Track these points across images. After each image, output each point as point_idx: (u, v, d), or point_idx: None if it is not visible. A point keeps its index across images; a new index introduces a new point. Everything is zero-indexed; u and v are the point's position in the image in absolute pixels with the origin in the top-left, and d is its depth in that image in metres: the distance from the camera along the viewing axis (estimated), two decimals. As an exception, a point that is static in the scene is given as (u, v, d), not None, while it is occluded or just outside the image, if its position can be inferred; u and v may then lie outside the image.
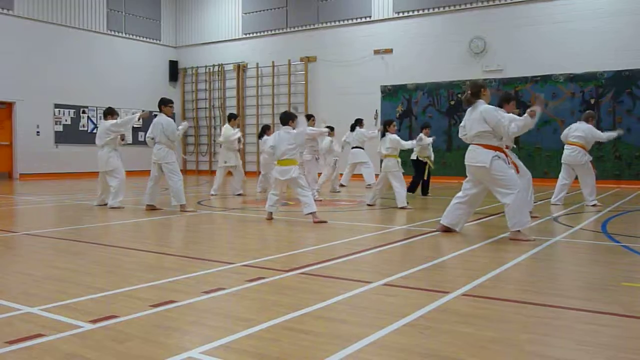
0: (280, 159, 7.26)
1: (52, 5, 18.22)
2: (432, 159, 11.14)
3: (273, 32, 19.91)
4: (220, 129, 21.17)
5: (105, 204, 9.02)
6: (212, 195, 11.20)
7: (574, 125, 9.42)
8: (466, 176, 6.18)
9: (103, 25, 19.78)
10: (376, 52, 17.69)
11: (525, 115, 5.76)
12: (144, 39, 21.19)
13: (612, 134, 9.59)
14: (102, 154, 9.00)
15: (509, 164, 5.74)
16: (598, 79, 14.47)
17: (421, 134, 10.85)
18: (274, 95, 19.95)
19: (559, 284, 3.99)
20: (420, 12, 16.93)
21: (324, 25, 18.77)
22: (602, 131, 9.83)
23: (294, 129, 7.36)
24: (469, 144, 5.98)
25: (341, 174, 13.00)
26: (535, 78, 15.19)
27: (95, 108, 19.39)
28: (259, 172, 12.53)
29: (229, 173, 11.97)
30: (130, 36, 20.68)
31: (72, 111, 18.82)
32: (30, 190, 12.96)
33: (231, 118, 11.97)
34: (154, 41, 21.58)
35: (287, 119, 7.49)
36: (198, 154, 21.98)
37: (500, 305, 3.35)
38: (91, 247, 5.46)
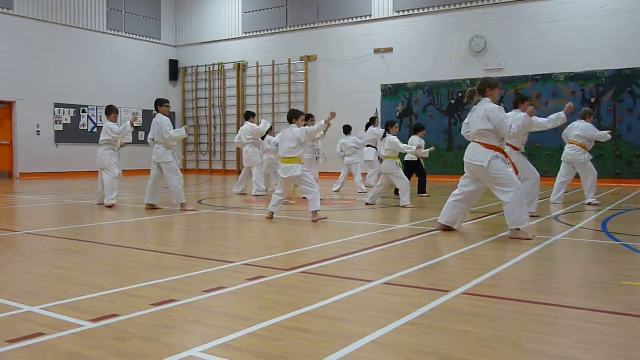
0: (283, 157, 7.27)
1: (52, 5, 18.22)
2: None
3: (273, 31, 19.90)
4: (222, 129, 21.31)
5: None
6: (236, 193, 11.08)
7: (574, 124, 9.42)
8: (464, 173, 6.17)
9: (103, 24, 19.78)
10: (376, 51, 17.69)
11: (525, 114, 5.75)
12: (144, 39, 21.20)
13: (602, 135, 9.41)
14: (100, 152, 9.19)
15: (507, 163, 5.74)
16: (598, 77, 14.46)
17: (415, 138, 10.70)
18: (274, 94, 19.95)
19: (559, 283, 3.99)
20: (421, 10, 16.93)
21: (324, 24, 18.77)
22: (600, 130, 9.83)
23: (299, 127, 7.36)
24: (470, 142, 5.96)
25: (365, 173, 12.91)
26: (535, 77, 15.19)
27: (95, 107, 19.40)
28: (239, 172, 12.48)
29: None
30: (131, 35, 20.68)
31: (72, 110, 18.83)
32: (30, 189, 12.97)
33: (250, 116, 11.57)
34: (154, 40, 21.58)
35: (292, 117, 7.48)
36: (198, 153, 21.98)
37: (501, 304, 3.35)
38: (92, 246, 5.46)
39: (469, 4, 16.18)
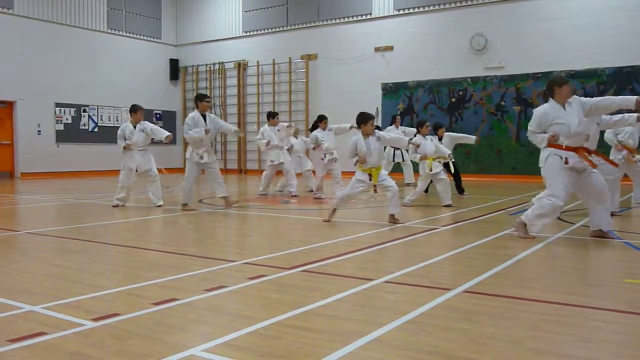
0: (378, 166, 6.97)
1: (52, 4, 18.21)
2: (448, 154, 9.42)
3: (274, 30, 19.89)
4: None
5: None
6: (261, 194, 10.84)
7: None
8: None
9: (103, 24, 19.77)
10: (377, 49, 17.67)
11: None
12: (145, 38, 21.18)
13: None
14: (146, 155, 8.93)
15: (567, 164, 5.34)
16: (599, 75, 14.44)
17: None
18: (275, 93, 19.94)
19: (561, 281, 3.98)
20: (421, 9, 16.90)
21: (325, 22, 18.75)
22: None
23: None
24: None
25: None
26: (536, 75, 15.16)
27: (96, 107, 19.40)
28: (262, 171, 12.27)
29: (279, 172, 11.24)
30: (131, 35, 20.67)
31: (73, 110, 18.82)
32: (31, 189, 12.98)
33: (270, 117, 11.04)
34: (155, 40, 21.57)
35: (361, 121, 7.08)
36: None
37: (502, 302, 3.35)
38: (93, 245, 5.46)
39: (469, 2, 16.15)
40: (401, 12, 17.24)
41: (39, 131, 17.95)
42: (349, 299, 3.40)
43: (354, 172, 6.93)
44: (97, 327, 2.86)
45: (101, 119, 19.57)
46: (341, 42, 18.37)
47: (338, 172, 10.35)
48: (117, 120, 19.65)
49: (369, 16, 17.86)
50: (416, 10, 16.98)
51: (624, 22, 14.14)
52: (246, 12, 20.45)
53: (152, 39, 21.44)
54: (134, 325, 2.89)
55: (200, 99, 8.50)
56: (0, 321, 3.01)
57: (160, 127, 9.26)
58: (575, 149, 5.35)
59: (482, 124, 15.78)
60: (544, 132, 5.49)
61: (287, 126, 11.06)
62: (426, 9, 16.82)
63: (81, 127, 19.08)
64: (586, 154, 5.39)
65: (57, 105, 18.39)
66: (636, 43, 13.97)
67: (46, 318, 3.03)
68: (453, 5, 16.40)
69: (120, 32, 20.29)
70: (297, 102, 19.45)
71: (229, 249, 5.39)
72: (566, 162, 5.31)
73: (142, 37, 21.07)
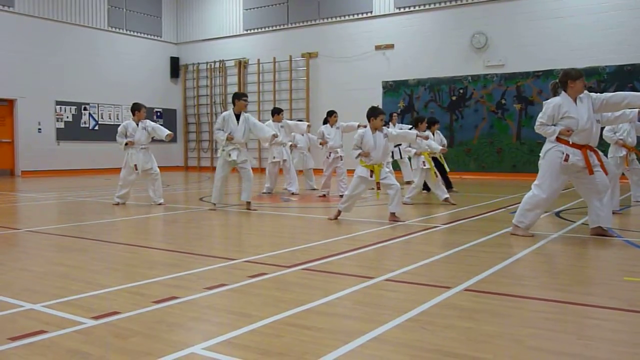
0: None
1: (52, 2, 18.20)
2: (439, 149, 9.42)
3: (274, 28, 19.88)
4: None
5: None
6: (264, 193, 10.70)
7: None
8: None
9: (104, 22, 19.76)
10: (377, 47, 17.66)
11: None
12: (145, 36, 21.18)
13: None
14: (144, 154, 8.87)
15: (566, 162, 5.31)
16: (600, 73, 14.43)
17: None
18: (275, 91, 19.94)
19: (560, 279, 3.99)
20: (422, 7, 16.89)
21: (325, 20, 18.74)
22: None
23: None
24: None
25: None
26: (537, 73, 15.16)
27: (96, 105, 19.41)
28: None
29: (280, 170, 11.17)
30: (131, 33, 20.66)
31: (73, 108, 18.83)
32: (32, 187, 12.98)
33: (275, 113, 11.06)
34: (155, 38, 21.56)
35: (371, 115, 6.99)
36: (200, 151, 21.98)
37: (502, 300, 3.35)
38: (93, 243, 5.47)
39: (470, 0, 16.14)
40: (402, 10, 17.22)
41: (40, 129, 17.96)
42: (349, 297, 3.40)
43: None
44: (97, 325, 2.86)
45: (102, 117, 19.57)
46: (342, 40, 18.36)
47: (343, 170, 10.30)
48: (117, 118, 19.66)
49: (369, 14, 17.85)
50: (417, 8, 16.96)
51: (624, 20, 14.13)
52: (247, 10, 20.44)
53: (152, 37, 21.43)
54: (135, 324, 2.90)
55: (238, 97, 8.07)
56: (0, 319, 3.01)
57: (161, 125, 9.24)
58: (580, 147, 5.32)
59: (482, 122, 15.77)
60: (554, 125, 5.40)
61: (308, 125, 11.24)
62: (427, 7, 16.80)
63: (82, 125, 19.08)
64: (589, 152, 5.36)
65: (58, 103, 18.39)
66: (636, 41, 13.96)
67: (47, 316, 3.04)
68: (454, 3, 16.39)
69: (121, 30, 20.29)
70: (297, 100, 19.45)
71: (229, 247, 5.39)
72: (566, 159, 5.30)
73: (142, 35, 21.06)
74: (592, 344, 2.60)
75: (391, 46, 17.46)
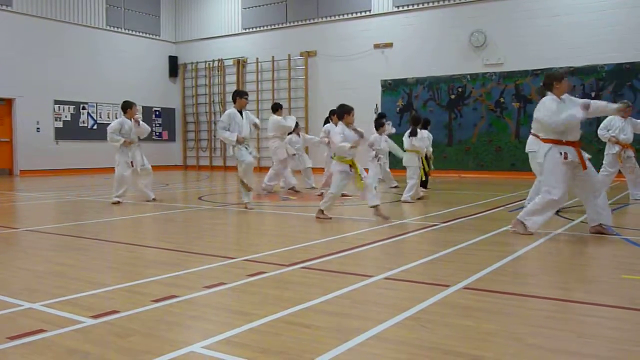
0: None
1: (51, 1, 18.16)
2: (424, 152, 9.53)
3: (273, 26, 19.86)
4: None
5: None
6: (268, 191, 10.65)
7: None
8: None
9: (102, 20, 19.73)
10: (376, 46, 17.65)
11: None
12: (144, 35, 21.15)
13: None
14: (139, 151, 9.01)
15: (565, 159, 5.34)
16: (599, 72, 14.44)
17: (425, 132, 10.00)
18: (274, 90, 19.92)
19: (559, 277, 3.99)
20: (421, 5, 16.88)
21: (324, 19, 18.72)
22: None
23: (335, 124, 7.74)
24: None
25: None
26: (535, 71, 15.15)
27: (95, 104, 19.37)
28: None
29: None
30: (130, 32, 20.63)
31: (72, 107, 18.80)
32: (30, 186, 12.97)
33: (277, 108, 11.15)
34: (154, 37, 21.53)
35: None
36: (198, 150, 21.97)
37: (501, 298, 3.35)
38: (92, 242, 5.46)
39: (468, -1, 16.14)
40: (400, 8, 17.21)
41: (38, 128, 17.93)
42: (348, 296, 3.40)
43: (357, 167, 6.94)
44: (96, 324, 2.86)
45: (100, 116, 19.54)
46: (340, 38, 18.34)
47: None
48: (116, 118, 19.55)
49: (368, 13, 17.84)
50: (415, 6, 16.95)
51: (623, 18, 14.13)
52: (245, 9, 20.42)
53: (151, 36, 21.40)
54: (134, 322, 2.90)
55: (240, 95, 8.14)
56: (-1, 318, 3.01)
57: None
58: (572, 144, 5.40)
59: (481, 121, 15.77)
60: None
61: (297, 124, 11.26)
62: (425, 5, 16.80)
63: (80, 125, 19.05)
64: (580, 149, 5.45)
65: (56, 102, 18.36)
66: (635, 40, 13.96)
67: (46, 315, 3.04)
68: (452, 1, 16.38)
69: (119, 29, 20.26)
70: (296, 99, 19.43)
71: (228, 246, 5.39)
72: (565, 157, 5.33)
73: (141, 34, 21.03)
74: (592, 342, 2.61)
75: (390, 45, 17.44)
